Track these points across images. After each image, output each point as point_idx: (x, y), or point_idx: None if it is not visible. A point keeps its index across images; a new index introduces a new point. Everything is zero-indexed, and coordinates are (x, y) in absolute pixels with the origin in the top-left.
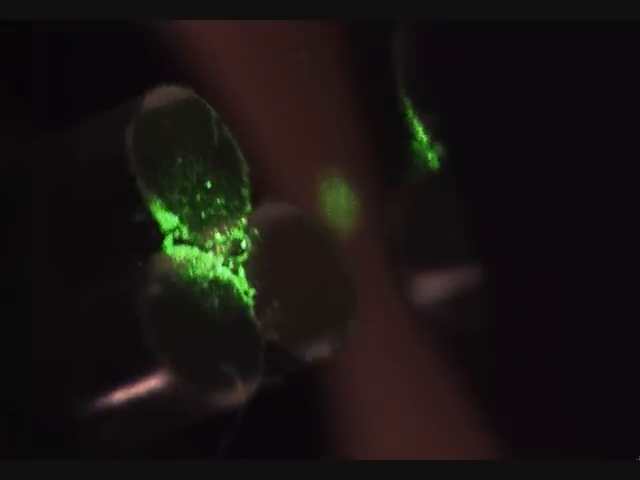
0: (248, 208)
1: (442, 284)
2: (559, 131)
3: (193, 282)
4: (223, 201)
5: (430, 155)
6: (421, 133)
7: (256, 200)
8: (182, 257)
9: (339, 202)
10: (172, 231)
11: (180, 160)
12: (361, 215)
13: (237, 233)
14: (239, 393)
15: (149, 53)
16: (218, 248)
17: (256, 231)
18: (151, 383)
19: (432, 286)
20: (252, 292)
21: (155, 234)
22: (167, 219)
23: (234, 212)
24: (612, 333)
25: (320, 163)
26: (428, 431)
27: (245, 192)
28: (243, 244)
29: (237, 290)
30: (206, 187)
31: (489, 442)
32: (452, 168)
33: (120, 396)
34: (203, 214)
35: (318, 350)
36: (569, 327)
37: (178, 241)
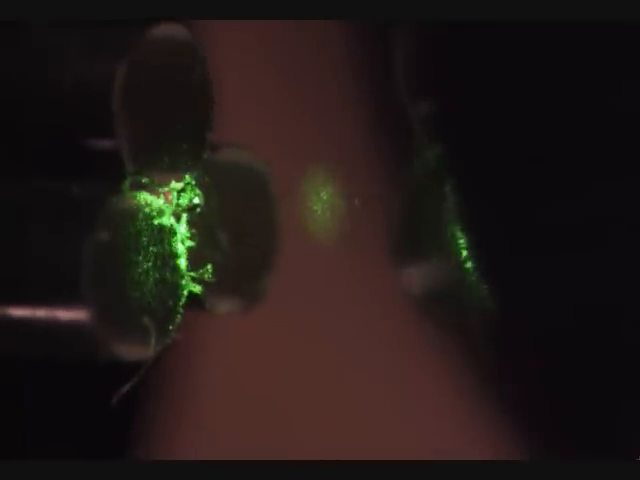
0: (207, 154)
1: (441, 281)
2: (559, 130)
3: (139, 229)
4: (186, 147)
5: (430, 154)
6: (421, 132)
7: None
8: (136, 202)
9: (329, 201)
10: (133, 175)
11: (160, 106)
12: (360, 214)
13: (192, 188)
14: (150, 346)
15: None
16: (170, 196)
17: (207, 178)
18: (69, 315)
19: (431, 283)
20: (190, 243)
21: (117, 174)
22: (132, 163)
23: (195, 158)
24: (613, 330)
25: (316, 162)
26: (425, 428)
27: (209, 136)
28: (196, 200)
29: (175, 240)
30: (175, 131)
31: (486, 441)
32: (452, 167)
33: (34, 313)
34: (165, 159)
35: (232, 305)
36: (570, 323)
37: (135, 185)
